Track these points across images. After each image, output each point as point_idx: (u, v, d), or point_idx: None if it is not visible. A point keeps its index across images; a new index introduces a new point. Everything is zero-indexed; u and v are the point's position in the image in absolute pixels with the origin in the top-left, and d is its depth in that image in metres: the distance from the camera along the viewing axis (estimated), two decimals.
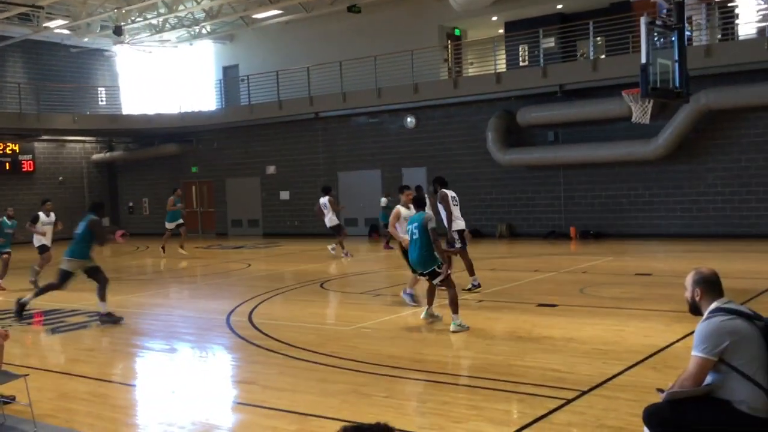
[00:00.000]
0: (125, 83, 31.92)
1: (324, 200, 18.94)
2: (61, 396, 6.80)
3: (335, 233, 19.12)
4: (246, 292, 12.84)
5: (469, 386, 6.55)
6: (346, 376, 7.02)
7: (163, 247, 20.61)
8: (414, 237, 9.14)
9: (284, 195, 27.41)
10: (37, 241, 15.37)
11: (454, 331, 8.77)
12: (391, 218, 11.01)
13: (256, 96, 26.92)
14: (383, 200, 21.36)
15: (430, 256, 9.04)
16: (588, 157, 20.58)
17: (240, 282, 14.58)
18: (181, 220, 20.90)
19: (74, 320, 10.94)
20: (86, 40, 28.48)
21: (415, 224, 9.13)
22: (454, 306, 8.94)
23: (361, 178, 25.24)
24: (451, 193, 11.94)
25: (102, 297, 10.35)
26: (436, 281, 9.17)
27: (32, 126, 26.94)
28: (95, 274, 10.54)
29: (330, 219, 18.91)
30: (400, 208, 10.94)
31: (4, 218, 15.17)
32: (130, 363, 8.42)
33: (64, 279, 10.46)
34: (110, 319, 10.24)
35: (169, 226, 20.74)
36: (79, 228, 10.53)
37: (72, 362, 8.20)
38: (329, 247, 19.02)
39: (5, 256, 14.68)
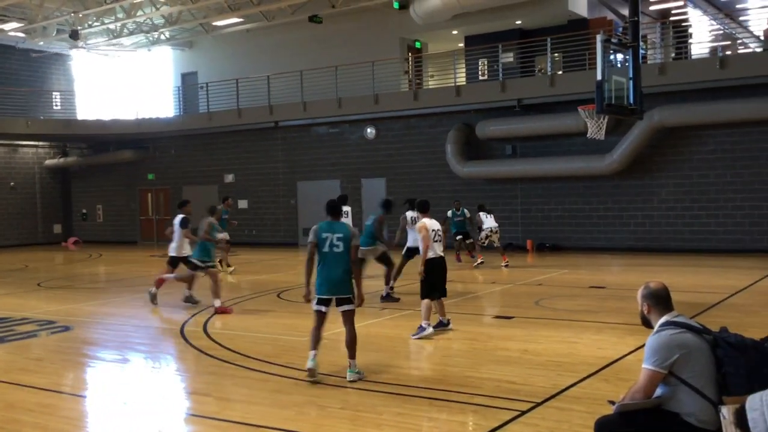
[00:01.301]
0: (81, 88, 31.38)
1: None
2: (8, 407, 6.63)
3: None
4: (201, 302, 12.68)
5: (425, 398, 6.56)
6: (301, 388, 6.98)
7: (221, 261, 16.69)
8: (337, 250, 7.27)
9: (242, 204, 27.18)
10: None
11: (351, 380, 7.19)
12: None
13: (215, 104, 26.70)
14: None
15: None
16: (545, 170, 20.86)
17: (195, 291, 14.38)
18: (226, 234, 16.17)
19: (23, 329, 10.68)
20: (42, 43, 27.98)
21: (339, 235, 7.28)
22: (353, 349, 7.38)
23: (321, 188, 25.16)
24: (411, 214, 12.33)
25: None
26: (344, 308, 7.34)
27: None
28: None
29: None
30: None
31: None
32: (80, 373, 8.24)
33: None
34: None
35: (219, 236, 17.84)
36: None
37: (20, 372, 7.99)
38: None
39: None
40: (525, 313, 10.81)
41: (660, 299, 4.28)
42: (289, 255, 22.64)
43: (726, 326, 4.23)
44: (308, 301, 7.39)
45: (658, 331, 4.15)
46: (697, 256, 18.31)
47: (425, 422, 5.91)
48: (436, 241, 9.43)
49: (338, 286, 7.21)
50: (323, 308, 7.28)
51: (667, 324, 4.15)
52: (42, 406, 6.70)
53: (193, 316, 11.31)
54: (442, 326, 9.48)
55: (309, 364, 7.13)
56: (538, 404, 6.19)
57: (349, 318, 7.32)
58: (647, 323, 4.35)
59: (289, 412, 6.23)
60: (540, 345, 8.61)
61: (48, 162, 31.11)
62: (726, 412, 3.82)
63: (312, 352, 7.20)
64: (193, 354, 8.78)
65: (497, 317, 10.63)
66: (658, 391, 4.09)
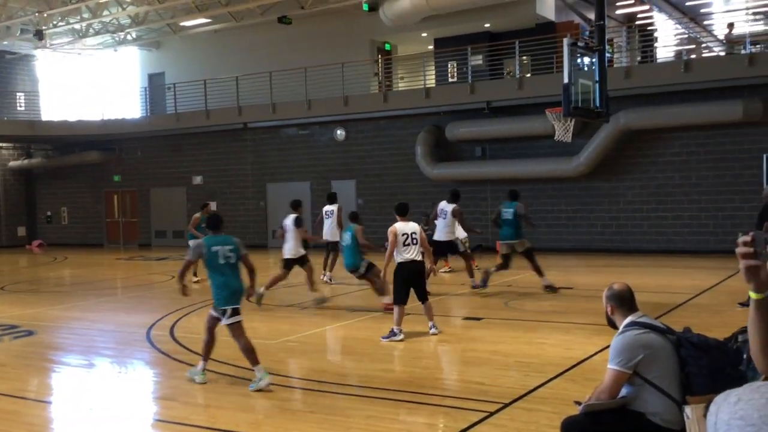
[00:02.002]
0: (45, 88, 30.88)
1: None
2: None
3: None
4: (168, 305, 12.54)
5: (394, 400, 6.56)
6: (268, 392, 6.93)
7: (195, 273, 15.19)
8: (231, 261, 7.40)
9: (211, 206, 26.95)
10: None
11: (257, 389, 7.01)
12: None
13: (182, 105, 26.44)
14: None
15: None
16: (514, 172, 20.99)
17: (162, 294, 14.24)
18: None
19: None
20: (5, 43, 27.48)
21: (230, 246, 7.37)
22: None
23: (290, 189, 25.02)
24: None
25: None
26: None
27: None
28: None
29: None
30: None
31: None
32: (44, 379, 8.10)
33: None
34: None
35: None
36: None
37: None
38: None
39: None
40: (494, 315, 10.86)
41: (624, 300, 4.33)
42: (257, 257, 22.32)
43: (690, 326, 4.29)
44: (186, 295, 7.80)
45: (622, 332, 4.20)
46: (662, 257, 18.57)
47: (394, 424, 5.91)
48: (408, 245, 9.30)
49: (240, 296, 7.44)
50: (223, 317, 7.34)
51: (632, 324, 4.20)
52: (5, 412, 6.57)
53: (159, 320, 11.18)
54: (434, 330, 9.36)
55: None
56: (507, 405, 6.23)
57: (237, 328, 7.31)
58: (612, 324, 4.41)
59: (257, 416, 6.18)
60: (509, 346, 8.66)
61: (12, 164, 30.56)
62: (689, 411, 3.87)
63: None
64: (159, 358, 8.68)
65: (466, 318, 10.67)
66: (624, 391, 4.14)
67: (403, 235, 9.32)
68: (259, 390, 6.86)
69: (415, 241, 9.33)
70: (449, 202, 13.61)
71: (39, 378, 8.11)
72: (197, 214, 15.62)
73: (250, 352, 7.10)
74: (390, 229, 9.41)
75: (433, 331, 9.34)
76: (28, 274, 19.73)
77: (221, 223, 7.65)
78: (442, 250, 13.55)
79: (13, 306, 13.36)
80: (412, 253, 9.28)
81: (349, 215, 12.54)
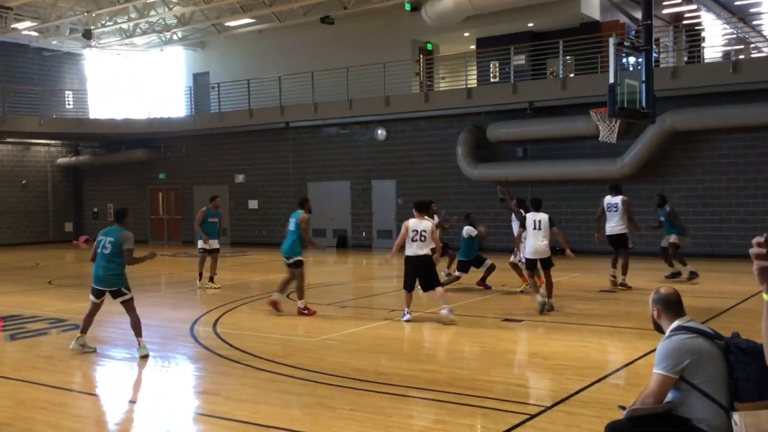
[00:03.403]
0: (93, 87, 31.54)
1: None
2: (19, 404, 6.66)
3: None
4: (212, 302, 12.71)
5: (434, 400, 6.54)
6: (309, 388, 6.98)
7: (201, 274, 14.90)
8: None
9: (252, 204, 27.25)
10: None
11: (143, 356, 8.41)
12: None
13: (226, 104, 26.78)
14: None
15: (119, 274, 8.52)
16: (556, 174, 20.80)
17: (205, 291, 14.42)
18: (216, 243, 14.96)
19: (34, 327, 10.73)
20: (55, 42, 28.14)
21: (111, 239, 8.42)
22: (139, 329, 8.57)
23: (331, 189, 25.21)
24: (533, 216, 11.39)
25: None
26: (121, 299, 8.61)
27: None
28: None
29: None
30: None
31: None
32: (90, 371, 8.27)
33: None
34: None
35: (201, 245, 14.89)
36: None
37: (30, 370, 8.03)
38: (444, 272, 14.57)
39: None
40: (534, 317, 10.77)
41: (670, 304, 4.26)
42: None
43: (738, 331, 4.20)
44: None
45: (669, 336, 4.13)
46: (709, 260, 18.20)
47: (434, 425, 5.89)
48: (415, 241, 10.25)
49: (106, 282, 8.51)
50: (94, 298, 8.70)
51: (679, 329, 4.13)
52: (53, 404, 6.73)
53: (202, 315, 11.33)
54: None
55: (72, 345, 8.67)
56: (548, 408, 6.17)
57: (126, 306, 8.63)
58: (659, 328, 4.34)
59: (298, 413, 6.23)
60: (549, 348, 8.58)
61: (60, 160, 31.29)
62: (738, 418, 3.79)
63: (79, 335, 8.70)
64: (202, 353, 8.80)
65: (506, 320, 10.60)
66: (669, 396, 4.07)
67: (413, 231, 10.27)
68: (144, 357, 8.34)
69: (423, 238, 10.26)
70: (614, 195, 13.62)
71: (85, 371, 8.28)
72: (203, 208, 15.13)
73: (138, 326, 8.57)
74: (404, 223, 10.48)
75: (444, 312, 10.14)
76: (74, 269, 20.14)
77: (123, 217, 8.61)
78: (616, 243, 13.53)
79: (61, 300, 13.66)
80: (418, 249, 10.24)
81: (298, 201, 12.01)
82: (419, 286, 10.68)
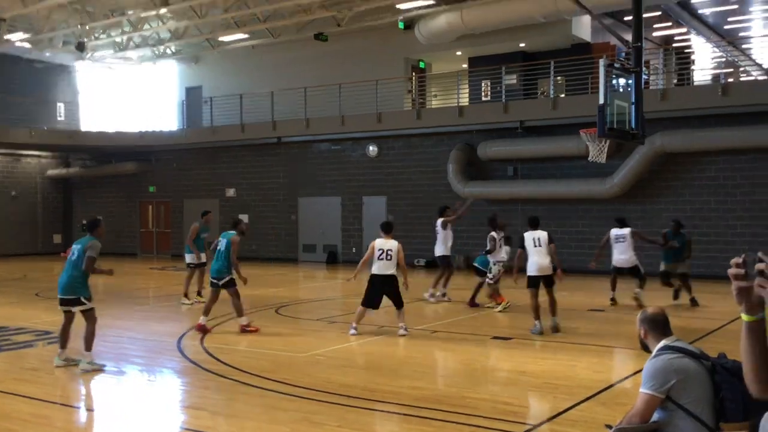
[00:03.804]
0: (85, 99, 31.51)
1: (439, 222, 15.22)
2: (3, 416, 6.60)
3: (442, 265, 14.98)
4: (199, 316, 12.64)
5: (422, 417, 6.53)
6: (297, 404, 6.95)
7: (186, 294, 14.77)
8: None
9: (243, 218, 27.15)
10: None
11: (84, 370, 8.38)
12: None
13: (218, 118, 26.80)
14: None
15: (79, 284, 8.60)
16: (545, 193, 20.89)
17: (193, 305, 14.36)
18: (203, 258, 14.86)
19: (20, 339, 10.66)
20: (47, 54, 28.12)
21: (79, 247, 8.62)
22: (89, 342, 8.50)
23: (322, 204, 25.21)
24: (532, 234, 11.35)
25: None
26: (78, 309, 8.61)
27: None
28: None
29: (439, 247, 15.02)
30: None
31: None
32: (75, 385, 8.21)
33: None
34: None
35: (189, 260, 14.92)
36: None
37: (15, 382, 7.96)
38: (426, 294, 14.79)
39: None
40: (523, 335, 10.77)
41: (657, 324, 4.28)
42: (289, 270, 22.63)
43: (724, 352, 4.23)
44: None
45: (656, 356, 4.14)
46: (697, 281, 18.22)
47: None
48: (381, 260, 10.47)
49: (67, 288, 8.59)
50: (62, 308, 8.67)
51: (666, 348, 4.14)
52: (37, 416, 6.67)
53: (189, 329, 11.28)
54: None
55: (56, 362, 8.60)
56: (535, 426, 6.17)
57: (85, 315, 8.56)
58: (645, 347, 4.36)
59: (285, 429, 6.20)
60: (538, 367, 8.58)
61: (50, 172, 31.18)
62: None
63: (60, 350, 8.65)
64: (189, 368, 8.75)
65: (495, 338, 10.60)
66: (655, 416, 4.08)
67: (379, 250, 10.52)
68: (84, 370, 8.29)
69: (389, 257, 10.47)
70: (621, 227, 13.90)
71: (71, 383, 8.22)
72: (196, 224, 15.03)
73: (88, 339, 8.45)
74: (371, 244, 10.79)
75: (401, 332, 10.49)
76: None
77: (94, 227, 8.81)
78: (630, 273, 13.84)
79: (48, 312, 13.55)
80: (383, 268, 10.44)
81: (232, 222, 12.11)
82: (393, 304, 10.74)
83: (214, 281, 11.22)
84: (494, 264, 13.47)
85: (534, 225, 11.52)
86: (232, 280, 11.18)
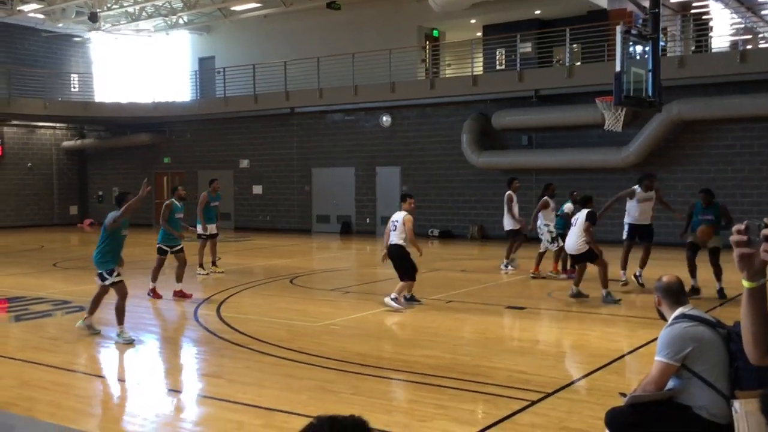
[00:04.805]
0: (99, 70, 31.51)
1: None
2: (22, 384, 6.71)
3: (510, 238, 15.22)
4: (215, 286, 12.76)
5: (436, 385, 6.58)
6: (312, 372, 7.02)
7: (201, 264, 14.70)
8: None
9: (257, 189, 27.26)
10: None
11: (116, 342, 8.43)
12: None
13: (231, 89, 26.73)
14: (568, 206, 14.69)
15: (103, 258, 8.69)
16: (560, 162, 20.75)
17: (209, 275, 14.47)
18: (215, 228, 15.06)
19: (38, 308, 10.79)
20: (60, 25, 28.09)
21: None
22: (119, 316, 8.56)
23: (335, 175, 25.20)
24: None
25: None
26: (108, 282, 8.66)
27: (2, 110, 26.47)
28: None
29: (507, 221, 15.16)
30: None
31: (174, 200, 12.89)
32: (94, 353, 8.32)
33: None
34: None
35: (199, 230, 14.73)
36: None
37: (34, 350, 8.08)
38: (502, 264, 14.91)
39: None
40: (537, 305, 10.79)
41: (672, 292, 4.27)
42: (302, 241, 22.72)
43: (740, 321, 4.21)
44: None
45: (671, 324, 4.14)
46: None
47: (436, 410, 5.93)
48: (392, 231, 10.52)
49: (95, 262, 8.74)
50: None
51: (681, 317, 4.14)
52: (56, 384, 6.78)
53: (206, 299, 11.38)
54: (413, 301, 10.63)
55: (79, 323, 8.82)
56: (549, 395, 6.20)
57: (114, 288, 8.66)
58: (662, 316, 4.35)
59: (301, 397, 6.26)
60: (551, 336, 8.61)
61: (65, 143, 31.32)
62: (738, 406, 3.81)
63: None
64: (206, 337, 8.85)
65: (509, 307, 10.62)
66: (670, 384, 4.09)
67: (391, 222, 10.58)
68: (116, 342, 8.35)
69: (394, 227, 10.46)
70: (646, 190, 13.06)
71: (89, 352, 8.34)
72: (204, 193, 15.14)
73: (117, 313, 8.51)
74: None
75: (386, 299, 10.32)
76: (79, 252, 20.18)
77: (121, 200, 9.06)
78: (643, 235, 13.41)
79: (65, 282, 13.74)
80: (392, 238, 10.48)
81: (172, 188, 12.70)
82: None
83: (171, 248, 12.00)
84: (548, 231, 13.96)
85: (584, 203, 11.55)
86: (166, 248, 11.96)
